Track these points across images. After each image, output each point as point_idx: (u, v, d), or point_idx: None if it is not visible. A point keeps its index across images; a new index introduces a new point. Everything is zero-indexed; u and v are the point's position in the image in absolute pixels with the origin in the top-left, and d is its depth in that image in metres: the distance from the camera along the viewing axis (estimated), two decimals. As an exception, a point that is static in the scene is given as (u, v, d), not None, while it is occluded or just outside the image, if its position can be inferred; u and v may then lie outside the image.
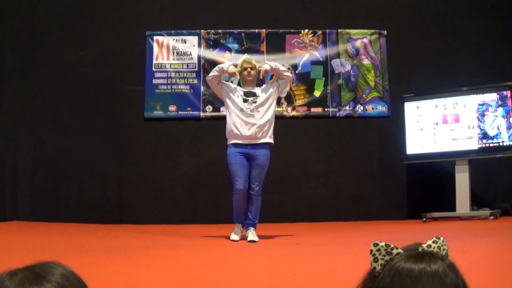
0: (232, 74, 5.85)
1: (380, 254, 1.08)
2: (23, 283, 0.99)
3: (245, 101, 5.60)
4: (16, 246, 4.94)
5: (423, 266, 1.03)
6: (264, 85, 5.91)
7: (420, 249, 1.10)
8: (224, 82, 5.84)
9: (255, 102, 5.59)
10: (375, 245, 1.10)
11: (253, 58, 7.68)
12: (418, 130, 7.48)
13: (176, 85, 7.90)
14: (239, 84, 5.98)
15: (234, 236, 5.48)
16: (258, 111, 5.58)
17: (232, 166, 5.57)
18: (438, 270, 1.03)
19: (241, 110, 5.57)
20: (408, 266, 1.04)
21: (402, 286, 1.02)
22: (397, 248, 1.09)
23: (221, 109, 7.78)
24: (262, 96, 5.64)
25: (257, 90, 5.69)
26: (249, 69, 5.72)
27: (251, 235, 5.42)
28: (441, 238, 1.12)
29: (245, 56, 7.63)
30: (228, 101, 5.68)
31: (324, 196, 7.79)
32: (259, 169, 5.58)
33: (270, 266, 3.83)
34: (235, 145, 5.57)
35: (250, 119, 5.55)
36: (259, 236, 5.48)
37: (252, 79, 5.74)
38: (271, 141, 5.65)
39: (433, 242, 1.11)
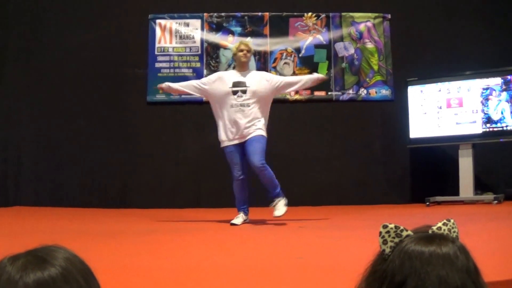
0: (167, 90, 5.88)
1: (389, 236, 1.07)
2: (25, 268, 0.96)
3: (234, 93, 5.36)
4: (19, 231, 4.95)
5: (434, 248, 1.02)
6: (258, 74, 5.63)
7: (430, 231, 1.08)
8: (204, 84, 5.58)
9: (245, 92, 5.35)
10: (384, 227, 1.08)
11: (256, 42, 7.74)
12: (422, 114, 7.45)
13: (179, 69, 7.86)
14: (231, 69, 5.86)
15: (234, 221, 5.31)
16: (249, 106, 5.34)
17: (227, 155, 5.48)
18: (448, 252, 1.02)
19: (231, 106, 5.34)
20: (418, 248, 1.03)
21: (412, 269, 1.01)
22: (406, 230, 1.08)
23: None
24: (253, 87, 5.38)
25: (248, 79, 5.43)
26: (245, 51, 5.48)
27: (276, 210, 5.23)
28: (452, 220, 1.10)
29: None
30: (212, 101, 5.53)
31: (327, 181, 7.77)
32: (255, 142, 5.29)
33: (274, 250, 3.83)
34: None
35: (239, 115, 5.32)
36: (263, 221, 5.48)
37: (247, 61, 5.55)
38: (263, 133, 5.38)
39: (444, 224, 1.09)
